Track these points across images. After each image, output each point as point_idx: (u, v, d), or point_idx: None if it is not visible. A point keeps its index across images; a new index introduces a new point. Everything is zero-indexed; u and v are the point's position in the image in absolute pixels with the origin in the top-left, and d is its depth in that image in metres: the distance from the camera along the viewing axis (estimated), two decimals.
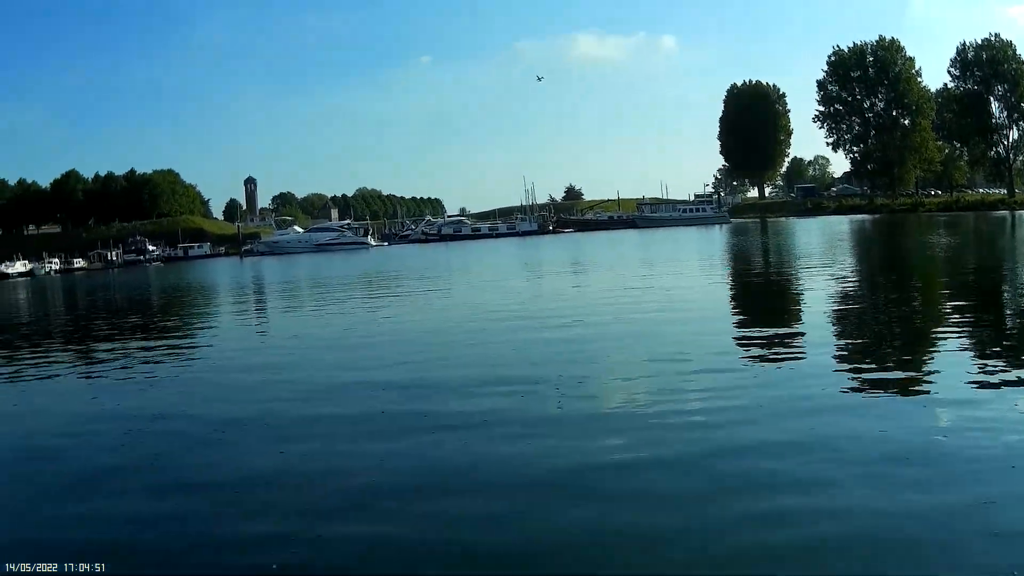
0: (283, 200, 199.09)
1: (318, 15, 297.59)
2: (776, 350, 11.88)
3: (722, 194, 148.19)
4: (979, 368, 9.64)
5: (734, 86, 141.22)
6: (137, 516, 6.30)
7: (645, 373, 10.52)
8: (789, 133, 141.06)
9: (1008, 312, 15.25)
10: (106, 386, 12.34)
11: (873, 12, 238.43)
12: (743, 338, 13.52)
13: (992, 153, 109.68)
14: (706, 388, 9.44)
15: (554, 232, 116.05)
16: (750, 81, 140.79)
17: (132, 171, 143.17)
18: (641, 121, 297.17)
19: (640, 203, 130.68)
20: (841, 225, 72.34)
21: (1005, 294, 17.95)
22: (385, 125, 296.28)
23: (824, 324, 14.44)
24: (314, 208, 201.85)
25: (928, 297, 18.38)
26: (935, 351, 11.15)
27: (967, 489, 5.79)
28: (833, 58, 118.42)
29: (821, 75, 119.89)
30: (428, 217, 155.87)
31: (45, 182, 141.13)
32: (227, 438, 8.55)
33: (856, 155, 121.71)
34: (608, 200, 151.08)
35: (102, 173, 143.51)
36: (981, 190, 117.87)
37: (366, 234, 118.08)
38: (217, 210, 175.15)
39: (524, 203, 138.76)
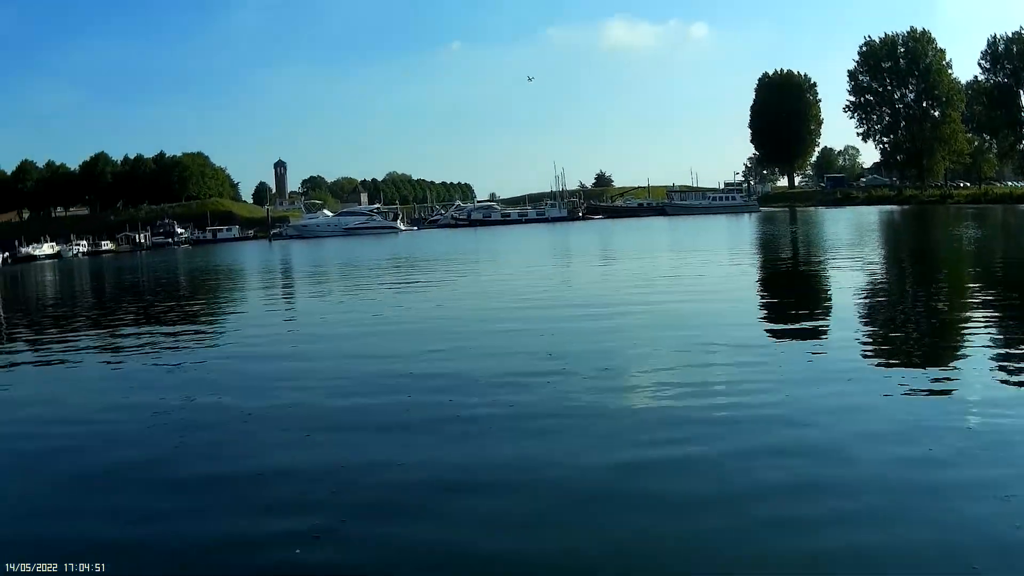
0: (313, 184, 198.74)
1: (349, 0, 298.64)
2: (808, 341, 11.71)
3: (752, 183, 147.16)
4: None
5: (765, 75, 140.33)
6: (155, 512, 6.12)
7: (676, 363, 10.25)
8: (820, 123, 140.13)
9: None
10: (129, 373, 12.24)
11: (905, 3, 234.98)
12: (772, 331, 13.22)
13: (1021, 146, 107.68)
14: (736, 381, 9.22)
15: (583, 218, 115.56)
16: (781, 70, 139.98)
17: (161, 154, 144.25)
18: (672, 108, 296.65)
19: (670, 190, 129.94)
20: (870, 215, 71.45)
21: None
22: (416, 110, 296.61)
23: (856, 317, 14.10)
24: (344, 192, 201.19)
25: (956, 290, 17.99)
26: (968, 347, 10.71)
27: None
28: (864, 48, 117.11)
29: (852, 65, 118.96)
30: (458, 202, 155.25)
31: (74, 164, 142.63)
32: (249, 429, 8.40)
33: (886, 146, 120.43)
34: (638, 187, 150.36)
35: (131, 156, 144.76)
36: (1009, 183, 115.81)
37: (395, 218, 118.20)
38: (246, 193, 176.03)
39: (554, 189, 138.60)
